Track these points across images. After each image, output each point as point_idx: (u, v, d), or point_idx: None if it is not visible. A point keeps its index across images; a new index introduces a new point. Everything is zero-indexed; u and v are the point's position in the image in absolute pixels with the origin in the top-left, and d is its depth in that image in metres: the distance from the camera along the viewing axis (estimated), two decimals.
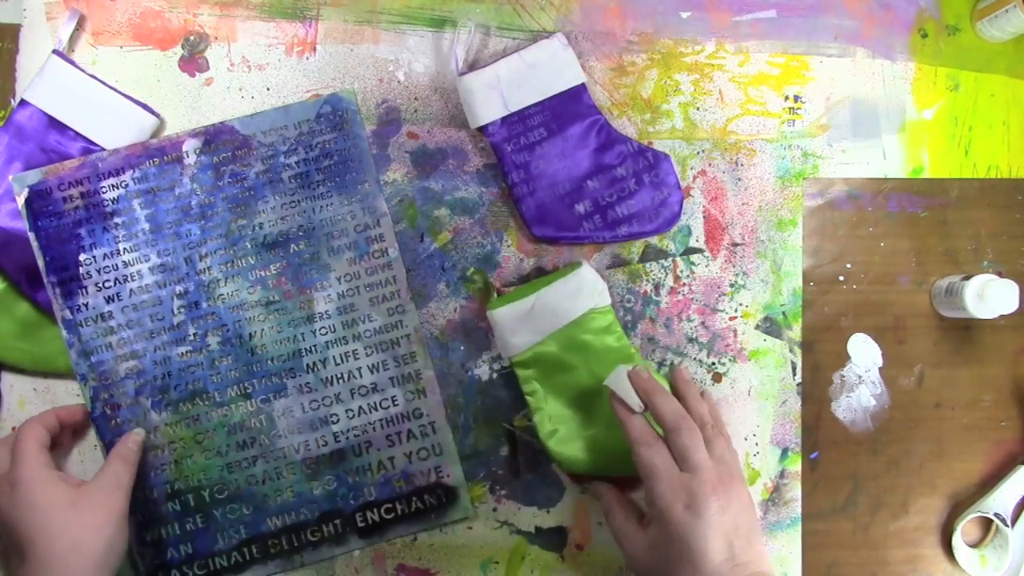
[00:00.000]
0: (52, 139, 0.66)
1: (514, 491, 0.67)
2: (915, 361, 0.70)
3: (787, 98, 0.70)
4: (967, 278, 0.66)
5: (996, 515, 0.67)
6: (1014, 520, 0.68)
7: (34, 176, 0.65)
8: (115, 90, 0.66)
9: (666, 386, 0.62)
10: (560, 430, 0.64)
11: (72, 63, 0.66)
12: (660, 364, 0.68)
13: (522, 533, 0.67)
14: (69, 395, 0.66)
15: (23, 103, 0.65)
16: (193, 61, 0.69)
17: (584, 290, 0.63)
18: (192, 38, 0.68)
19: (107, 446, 0.64)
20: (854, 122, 0.71)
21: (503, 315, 0.64)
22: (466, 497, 0.66)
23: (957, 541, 0.68)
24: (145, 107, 0.67)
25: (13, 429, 0.65)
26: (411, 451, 0.65)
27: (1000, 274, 0.67)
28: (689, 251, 0.69)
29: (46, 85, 0.65)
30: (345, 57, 0.69)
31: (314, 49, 0.69)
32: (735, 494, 0.54)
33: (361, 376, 0.66)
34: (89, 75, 0.66)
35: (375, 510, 0.65)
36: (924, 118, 0.71)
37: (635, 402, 0.58)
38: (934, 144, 0.71)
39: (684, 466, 0.55)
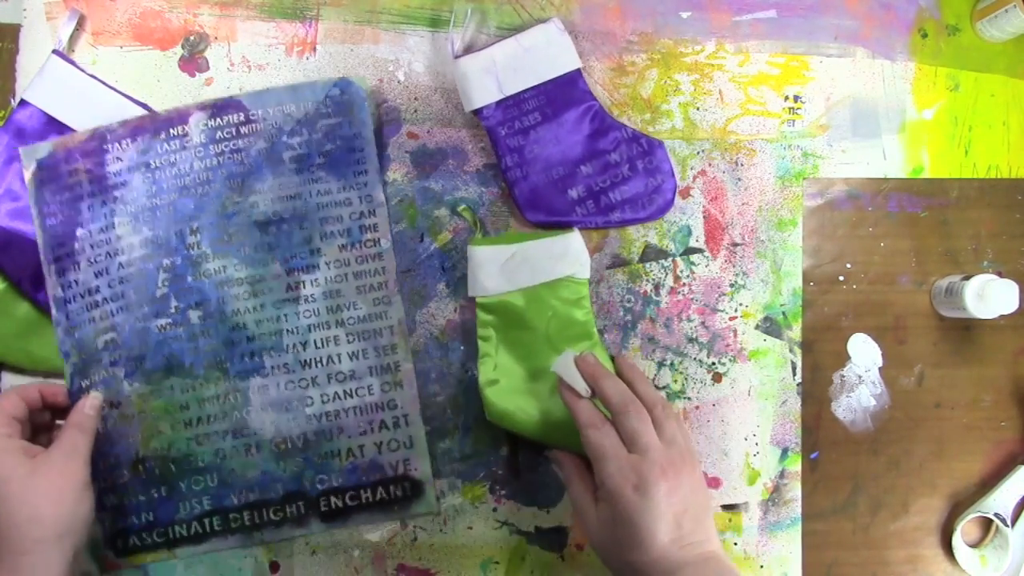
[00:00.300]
0: (52, 139, 0.66)
1: (514, 491, 0.67)
2: (915, 361, 0.70)
3: (787, 98, 0.70)
4: (967, 278, 0.66)
5: (996, 515, 0.67)
6: (1014, 520, 0.68)
7: (44, 149, 0.65)
8: (115, 90, 0.66)
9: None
10: (502, 382, 0.64)
11: (72, 63, 0.66)
12: (660, 364, 0.68)
13: (522, 533, 0.67)
14: None
15: (23, 103, 0.65)
16: (193, 61, 0.69)
17: (568, 256, 0.64)
18: (192, 38, 0.68)
19: None
20: (854, 122, 0.71)
21: (483, 254, 0.64)
22: (432, 492, 0.65)
23: (957, 541, 0.68)
24: (145, 107, 0.67)
25: None
26: (382, 441, 0.65)
27: (1000, 274, 0.67)
28: (689, 251, 0.69)
29: (46, 85, 0.65)
30: (345, 57, 0.69)
31: (314, 49, 0.69)
32: (685, 475, 0.54)
33: (340, 362, 0.65)
34: (89, 75, 0.66)
35: (340, 496, 0.65)
36: (924, 118, 0.71)
37: (582, 386, 0.58)
38: (934, 144, 0.71)
39: (633, 448, 0.55)
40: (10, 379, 0.66)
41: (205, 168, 0.66)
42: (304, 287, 0.65)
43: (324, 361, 0.65)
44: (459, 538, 0.67)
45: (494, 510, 0.67)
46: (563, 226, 0.67)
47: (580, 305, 0.65)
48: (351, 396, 0.65)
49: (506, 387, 0.64)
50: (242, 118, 0.66)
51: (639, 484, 0.53)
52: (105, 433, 0.63)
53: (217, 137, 0.66)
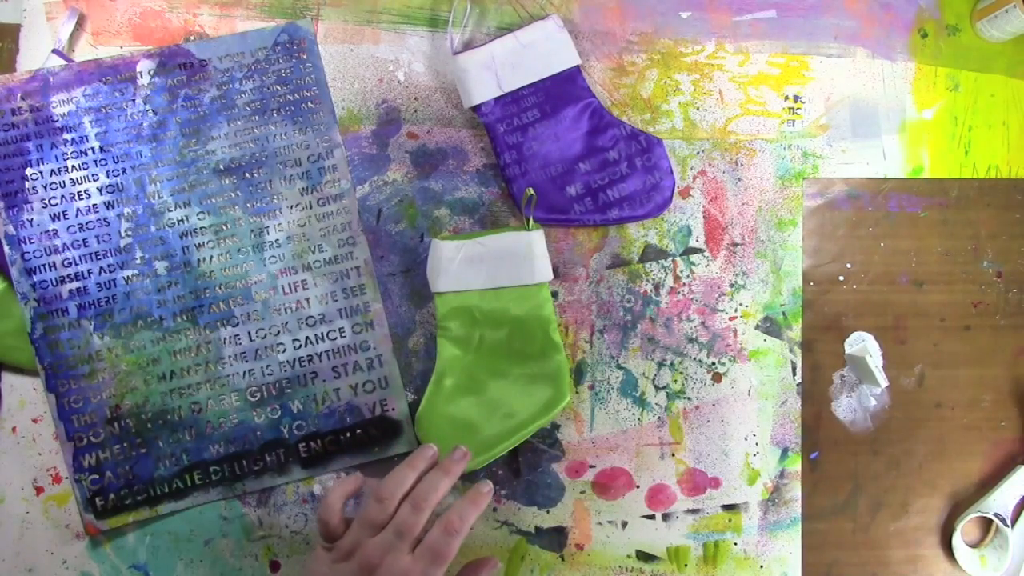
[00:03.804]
0: None
1: (514, 491, 0.67)
2: (915, 361, 0.70)
3: (787, 98, 0.70)
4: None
5: (996, 515, 0.67)
6: (1014, 520, 0.68)
7: None
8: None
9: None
10: (448, 381, 0.65)
11: (70, 61, 0.66)
12: (660, 364, 0.68)
13: (522, 533, 0.67)
14: None
15: None
16: None
17: (530, 257, 0.63)
18: (192, 38, 0.68)
19: (46, 369, 0.64)
20: (854, 122, 0.71)
21: (444, 249, 0.64)
22: (410, 431, 0.66)
23: (957, 541, 0.68)
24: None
25: (14, 430, 0.65)
26: (356, 383, 0.66)
27: (1000, 274, 0.67)
28: (689, 251, 0.69)
29: None
30: (345, 57, 0.69)
31: None
32: None
33: (309, 306, 0.66)
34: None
35: (318, 440, 0.65)
36: (924, 118, 0.71)
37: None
38: (934, 144, 0.71)
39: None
40: (10, 379, 0.66)
41: (158, 115, 0.66)
42: (268, 233, 0.66)
43: (293, 306, 0.66)
44: None
45: (494, 510, 0.67)
46: (561, 223, 0.67)
47: (542, 308, 0.65)
48: (323, 340, 0.66)
49: (452, 385, 0.65)
50: (192, 65, 0.67)
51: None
52: (79, 390, 0.64)
53: (167, 84, 0.66)
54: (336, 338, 0.66)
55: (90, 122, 0.66)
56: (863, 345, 0.59)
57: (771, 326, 0.69)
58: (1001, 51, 0.72)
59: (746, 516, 0.68)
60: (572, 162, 0.67)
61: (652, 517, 0.68)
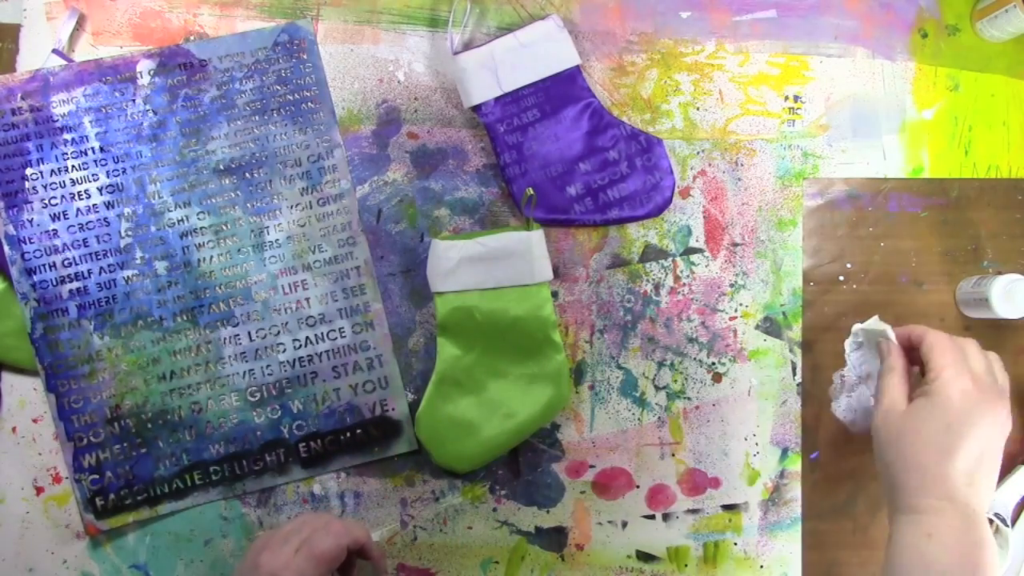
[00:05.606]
0: None
1: (514, 491, 0.67)
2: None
3: (787, 98, 0.70)
4: (990, 278, 0.65)
5: (996, 515, 0.67)
6: (1014, 520, 0.68)
7: None
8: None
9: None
10: (448, 380, 0.65)
11: (70, 61, 0.66)
12: (660, 364, 0.68)
13: (522, 533, 0.67)
14: None
15: None
16: None
17: (529, 257, 0.63)
18: (192, 38, 0.68)
19: (46, 369, 0.64)
20: (854, 122, 0.71)
21: (444, 248, 0.64)
22: (410, 431, 0.66)
23: None
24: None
25: (14, 430, 0.65)
26: (356, 383, 0.66)
27: (1000, 274, 0.67)
28: (689, 251, 0.69)
29: None
30: (345, 57, 0.69)
31: None
32: (1001, 412, 0.54)
33: (309, 306, 0.66)
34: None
35: (319, 440, 0.65)
36: (924, 118, 0.71)
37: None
38: (934, 144, 0.71)
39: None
40: (10, 379, 0.66)
41: (158, 115, 0.66)
42: (268, 233, 0.66)
43: (293, 306, 0.66)
44: (459, 538, 0.67)
45: (494, 510, 0.67)
46: (561, 223, 0.67)
47: (542, 308, 0.65)
48: (323, 340, 0.66)
49: (452, 385, 0.65)
50: (192, 65, 0.67)
51: (968, 391, 0.53)
52: (79, 390, 0.64)
53: (168, 84, 0.66)
54: (336, 338, 0.66)
55: (90, 122, 0.66)
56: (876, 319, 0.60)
57: (771, 326, 0.69)
58: (1001, 51, 0.72)
59: (746, 516, 0.68)
60: (572, 162, 0.67)
61: (652, 517, 0.68)
